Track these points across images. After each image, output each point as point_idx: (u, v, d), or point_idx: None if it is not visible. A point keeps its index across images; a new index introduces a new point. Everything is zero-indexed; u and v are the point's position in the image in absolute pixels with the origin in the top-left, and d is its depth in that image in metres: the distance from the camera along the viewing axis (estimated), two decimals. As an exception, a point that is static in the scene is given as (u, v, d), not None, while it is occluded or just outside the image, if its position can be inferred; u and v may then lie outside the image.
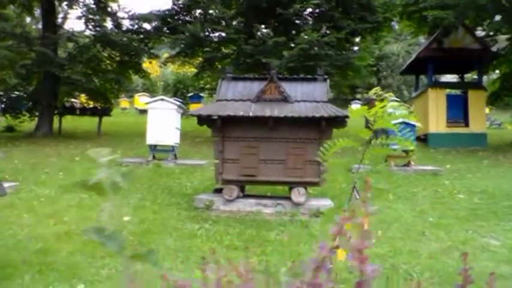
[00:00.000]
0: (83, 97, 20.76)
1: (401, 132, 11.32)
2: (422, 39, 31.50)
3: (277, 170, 7.56)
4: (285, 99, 7.57)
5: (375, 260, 5.45)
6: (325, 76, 8.11)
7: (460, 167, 12.26)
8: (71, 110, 18.99)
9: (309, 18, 15.38)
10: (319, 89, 7.84)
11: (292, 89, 7.73)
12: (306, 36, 14.04)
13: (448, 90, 16.71)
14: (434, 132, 15.83)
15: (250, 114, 7.26)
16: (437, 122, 15.88)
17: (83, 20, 18.10)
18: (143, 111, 30.82)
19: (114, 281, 4.71)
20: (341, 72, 15.66)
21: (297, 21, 15.68)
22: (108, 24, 17.95)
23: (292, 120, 7.39)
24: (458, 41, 16.00)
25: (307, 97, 7.69)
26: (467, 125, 16.16)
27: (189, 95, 26.78)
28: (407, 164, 11.60)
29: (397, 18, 17.91)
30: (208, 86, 20.89)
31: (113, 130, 19.44)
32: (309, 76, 8.35)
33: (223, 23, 15.28)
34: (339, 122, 7.67)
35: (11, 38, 15.78)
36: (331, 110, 7.48)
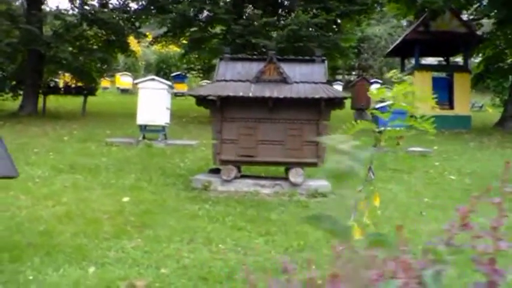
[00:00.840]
0: (67, 76, 20.31)
1: (392, 117, 11.34)
2: (404, 22, 31.74)
3: (275, 150, 7.52)
4: (284, 80, 7.50)
5: None
6: (323, 58, 8.06)
7: (448, 148, 12.39)
8: (55, 90, 18.60)
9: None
10: (318, 70, 7.78)
11: (291, 70, 7.66)
12: (295, 18, 13.92)
13: (433, 73, 16.81)
14: (420, 115, 15.86)
15: (250, 94, 7.19)
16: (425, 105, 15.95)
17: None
18: (125, 91, 30.57)
19: (124, 263, 4.64)
20: (329, 54, 15.61)
21: (286, 2, 15.53)
22: (94, 2, 17.54)
23: (291, 101, 7.34)
24: (445, 25, 16.06)
25: (306, 78, 7.64)
26: (452, 107, 16.32)
27: (173, 74, 26.50)
28: (396, 146, 11.66)
29: (385, 0, 17.90)
30: (195, 66, 20.56)
31: (96, 110, 19.16)
32: (307, 57, 8.30)
33: (212, 2, 15.06)
34: (337, 103, 7.65)
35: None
36: (330, 91, 7.47)
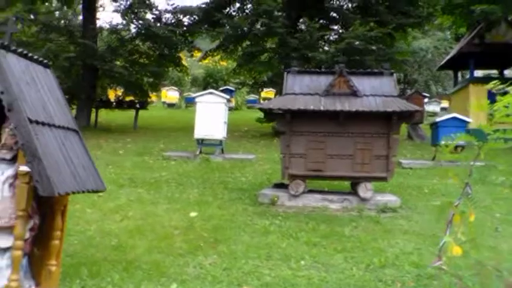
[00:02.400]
0: (118, 90, 20.42)
1: (451, 127, 10.93)
2: (449, 35, 31.01)
3: (344, 164, 7.23)
4: (354, 94, 7.22)
5: (453, 258, 5.11)
6: (392, 71, 7.75)
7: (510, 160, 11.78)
8: (107, 103, 18.74)
9: (352, 13, 14.89)
10: (387, 83, 7.48)
11: (360, 83, 7.37)
12: (353, 31, 13.63)
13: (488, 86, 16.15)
14: (475, 128, 15.31)
15: (322, 108, 6.92)
16: (478, 117, 15.37)
17: (119, 14, 17.89)
18: (171, 105, 30.73)
19: (204, 280, 4.40)
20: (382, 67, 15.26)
21: (339, 16, 15.25)
22: (148, 16, 17.62)
23: (360, 115, 7.05)
24: (501, 36, 15.49)
25: (376, 91, 7.34)
26: (508, 121, 15.61)
27: (221, 89, 26.45)
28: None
29: (440, 12, 17.41)
30: (247, 80, 20.36)
31: (147, 124, 19.18)
32: (375, 70, 8.00)
33: (268, 16, 14.91)
34: (408, 116, 7.32)
35: (55, 30, 15.52)
36: (402, 105, 7.14)
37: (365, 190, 7.20)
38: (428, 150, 12.74)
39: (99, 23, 17.89)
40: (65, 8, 19.12)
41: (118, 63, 16.49)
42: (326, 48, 14.22)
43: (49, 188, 3.14)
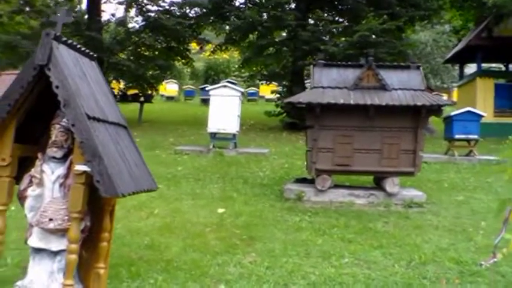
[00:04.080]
0: (121, 83, 20.00)
1: (465, 121, 10.81)
2: (448, 28, 30.85)
3: (371, 159, 7.08)
4: (383, 87, 7.05)
5: (489, 254, 4.99)
6: (418, 64, 7.58)
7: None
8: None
9: (364, 5, 14.64)
10: (414, 77, 7.31)
11: (388, 76, 7.19)
12: (365, 24, 13.43)
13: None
14: (482, 122, 15.22)
15: (352, 102, 6.74)
16: (484, 111, 15.28)
17: (123, 6, 17.56)
18: (170, 98, 30.34)
19: (249, 280, 4.23)
20: (394, 60, 15.06)
21: (350, 9, 14.98)
22: (153, 8, 17.24)
23: (389, 109, 6.88)
24: (509, 30, 15.36)
25: (404, 85, 7.17)
26: (515, 114, 15.58)
27: (223, 81, 26.12)
28: (469, 154, 11.07)
29: (448, 5, 17.23)
30: (256, 73, 19.97)
31: (150, 117, 18.86)
32: (402, 64, 7.84)
33: (281, 9, 14.65)
34: (435, 110, 7.16)
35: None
36: (431, 99, 6.99)
37: (392, 185, 7.06)
38: (438, 144, 12.60)
39: (104, 15, 17.54)
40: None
41: (123, 56, 16.11)
42: (337, 41, 13.98)
43: (111, 188, 2.95)
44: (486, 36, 15.52)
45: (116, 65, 15.33)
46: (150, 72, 17.84)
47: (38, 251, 3.30)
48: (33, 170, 3.33)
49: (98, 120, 3.25)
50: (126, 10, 18.20)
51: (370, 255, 4.98)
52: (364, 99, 6.80)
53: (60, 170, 3.32)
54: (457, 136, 10.84)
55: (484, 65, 20.89)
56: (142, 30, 16.17)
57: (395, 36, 15.02)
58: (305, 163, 7.98)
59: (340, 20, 14.93)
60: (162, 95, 30.85)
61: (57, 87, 3.10)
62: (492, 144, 13.09)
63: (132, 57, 17.03)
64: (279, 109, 16.18)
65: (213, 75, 28.76)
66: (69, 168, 3.30)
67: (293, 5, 16.07)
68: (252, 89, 28.38)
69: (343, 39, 15.73)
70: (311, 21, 15.58)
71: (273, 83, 22.13)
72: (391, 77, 7.21)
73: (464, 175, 9.36)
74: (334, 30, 14.46)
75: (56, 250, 3.26)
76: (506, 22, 15.19)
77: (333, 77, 7.23)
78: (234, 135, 11.13)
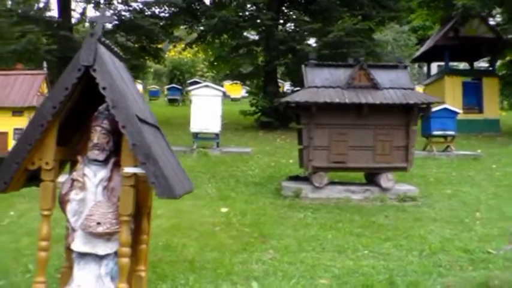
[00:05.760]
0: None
1: (442, 118, 11.17)
2: (407, 28, 31.66)
3: (365, 156, 7.27)
4: (375, 86, 7.24)
5: (491, 242, 5.27)
6: (406, 64, 7.82)
7: (493, 151, 12.17)
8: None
9: (338, 5, 14.85)
10: (403, 76, 7.55)
11: (377, 76, 7.38)
12: (341, 24, 13.65)
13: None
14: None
15: (347, 101, 6.89)
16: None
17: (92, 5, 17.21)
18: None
19: (277, 276, 4.30)
20: (367, 59, 15.35)
21: (323, 9, 15.17)
22: (119, 6, 16.98)
23: (381, 107, 7.08)
24: (473, 30, 16.00)
25: (393, 84, 7.39)
26: (481, 111, 16.21)
27: (189, 81, 25.97)
28: (447, 149, 11.46)
29: (416, 6, 17.71)
30: (226, 73, 19.96)
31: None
32: (390, 63, 8.06)
33: (257, 8, 14.68)
34: (424, 108, 7.41)
35: (32, 22, 14.65)
36: (422, 97, 7.24)
37: (386, 180, 7.27)
38: (416, 140, 12.96)
39: (73, 14, 17.15)
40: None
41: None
42: (310, 41, 14.18)
43: (168, 190, 2.94)
44: (453, 36, 16.09)
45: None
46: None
47: (83, 255, 3.23)
48: (74, 173, 3.28)
49: (142, 121, 3.23)
50: (95, 9, 17.89)
51: (382, 247, 5.15)
52: (358, 98, 6.97)
53: (103, 172, 3.27)
54: (434, 132, 11.19)
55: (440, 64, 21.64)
56: (115, 30, 15.88)
57: (368, 36, 15.36)
58: (298, 161, 8.11)
59: (311, 20, 15.06)
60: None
61: (104, 88, 3.05)
62: (463, 140, 13.60)
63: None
64: (254, 108, 16.25)
65: (178, 75, 28.50)
66: (112, 171, 3.28)
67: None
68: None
69: (313, 40, 15.95)
70: (285, 22, 15.73)
71: (238, 82, 22.22)
72: (380, 76, 7.41)
73: (446, 169, 9.70)
74: (307, 31, 14.58)
75: (102, 254, 3.22)
76: (471, 23, 15.82)
77: (326, 76, 7.36)
78: (217, 134, 11.13)
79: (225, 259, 4.70)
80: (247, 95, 25.98)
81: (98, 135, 3.29)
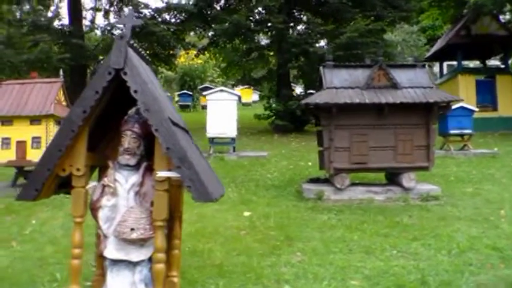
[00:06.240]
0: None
1: (459, 116, 11.04)
2: (416, 28, 31.46)
3: (387, 156, 7.16)
4: (394, 86, 7.13)
5: None
6: (423, 63, 7.72)
7: (510, 149, 12.00)
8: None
9: (350, 6, 14.74)
10: (422, 75, 7.43)
11: (396, 75, 7.28)
12: (353, 25, 13.56)
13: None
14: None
15: (367, 101, 6.80)
16: (468, 106, 15.68)
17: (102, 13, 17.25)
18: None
19: (307, 278, 4.21)
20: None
21: (334, 10, 15.08)
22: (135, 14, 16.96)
23: (401, 106, 6.98)
24: (485, 28, 15.84)
25: (413, 83, 7.28)
26: (495, 109, 16.04)
27: (200, 87, 25.94)
28: (463, 148, 11.32)
29: (427, 5, 17.59)
30: (234, 78, 19.89)
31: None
32: (408, 63, 7.97)
33: (269, 11, 14.60)
34: (445, 106, 7.30)
35: (44, 31, 14.67)
36: (442, 95, 7.13)
37: (409, 180, 7.16)
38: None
39: (85, 22, 17.20)
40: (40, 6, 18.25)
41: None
42: (322, 43, 14.11)
43: (205, 194, 2.86)
44: (465, 35, 15.95)
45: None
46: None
47: (116, 262, 3.16)
48: (105, 179, 3.21)
49: (175, 124, 3.17)
50: (105, 17, 17.95)
51: (410, 247, 5.04)
52: (378, 98, 6.88)
53: (134, 178, 3.20)
54: (452, 131, 11.07)
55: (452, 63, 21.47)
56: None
57: (379, 37, 15.26)
58: (317, 163, 8.02)
59: (323, 22, 14.97)
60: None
61: (135, 91, 2.99)
62: (479, 139, 13.44)
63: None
64: (268, 112, 16.19)
65: (188, 81, 28.45)
66: (143, 176, 3.21)
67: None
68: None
69: (323, 42, 15.85)
70: (296, 24, 15.67)
71: (248, 87, 22.16)
72: (399, 75, 7.31)
73: (465, 168, 9.57)
74: (319, 33, 14.50)
75: (136, 261, 3.14)
76: (482, 20, 15.66)
77: (344, 77, 7.27)
78: (233, 139, 11.06)
79: (253, 263, 4.61)
80: (258, 99, 25.98)
81: (128, 139, 3.22)
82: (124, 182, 3.19)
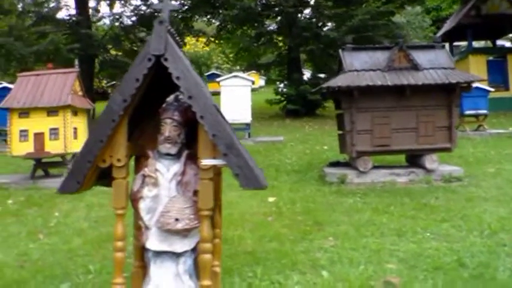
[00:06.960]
0: (103, 81, 19.51)
1: (474, 97, 10.91)
2: (420, 9, 31.10)
3: (409, 138, 7.07)
4: (415, 67, 7.02)
5: None
6: (443, 43, 7.59)
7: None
8: (104, 95, 17.98)
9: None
10: (442, 56, 7.31)
11: (416, 56, 7.16)
12: (365, 7, 13.38)
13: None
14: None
15: (389, 83, 6.69)
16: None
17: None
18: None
19: (343, 263, 4.14)
20: (391, 42, 14.99)
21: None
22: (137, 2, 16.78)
23: (422, 88, 6.87)
24: (495, 7, 15.61)
25: (433, 64, 7.16)
26: (507, 88, 15.88)
27: (207, 74, 25.78)
28: (479, 128, 11.21)
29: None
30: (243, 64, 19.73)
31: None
32: (426, 44, 7.83)
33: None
34: (465, 87, 7.18)
35: (52, 22, 14.51)
36: (464, 76, 7.01)
37: (431, 161, 7.09)
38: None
39: (91, 12, 16.98)
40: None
41: (114, 52, 15.65)
42: (330, 25, 13.89)
43: (254, 181, 2.79)
44: (475, 15, 15.73)
45: (111, 62, 14.87)
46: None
47: (159, 253, 3.06)
48: (146, 169, 3.10)
49: (219, 111, 3.07)
50: (110, 7, 17.73)
51: (441, 228, 4.97)
52: (400, 80, 6.77)
53: (176, 167, 3.10)
54: (467, 112, 10.95)
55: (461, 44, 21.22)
56: (135, 25, 15.69)
57: (389, 19, 15.07)
58: (334, 147, 7.94)
59: (332, 5, 14.76)
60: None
61: (177, 78, 2.88)
62: (493, 119, 13.31)
63: (119, 53, 16.55)
64: (279, 97, 16.07)
65: (194, 68, 28.20)
66: (185, 165, 3.12)
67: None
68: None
69: (329, 24, 15.64)
70: (304, 7, 15.45)
71: (255, 72, 22.02)
72: (419, 57, 7.19)
73: (483, 149, 9.48)
74: (330, 16, 14.32)
75: (180, 251, 3.06)
76: (492, 0, 15.44)
77: (365, 59, 7.16)
78: (248, 124, 10.97)
79: (286, 249, 4.54)
80: (264, 84, 25.82)
81: (169, 128, 3.11)
82: (165, 171, 3.09)
